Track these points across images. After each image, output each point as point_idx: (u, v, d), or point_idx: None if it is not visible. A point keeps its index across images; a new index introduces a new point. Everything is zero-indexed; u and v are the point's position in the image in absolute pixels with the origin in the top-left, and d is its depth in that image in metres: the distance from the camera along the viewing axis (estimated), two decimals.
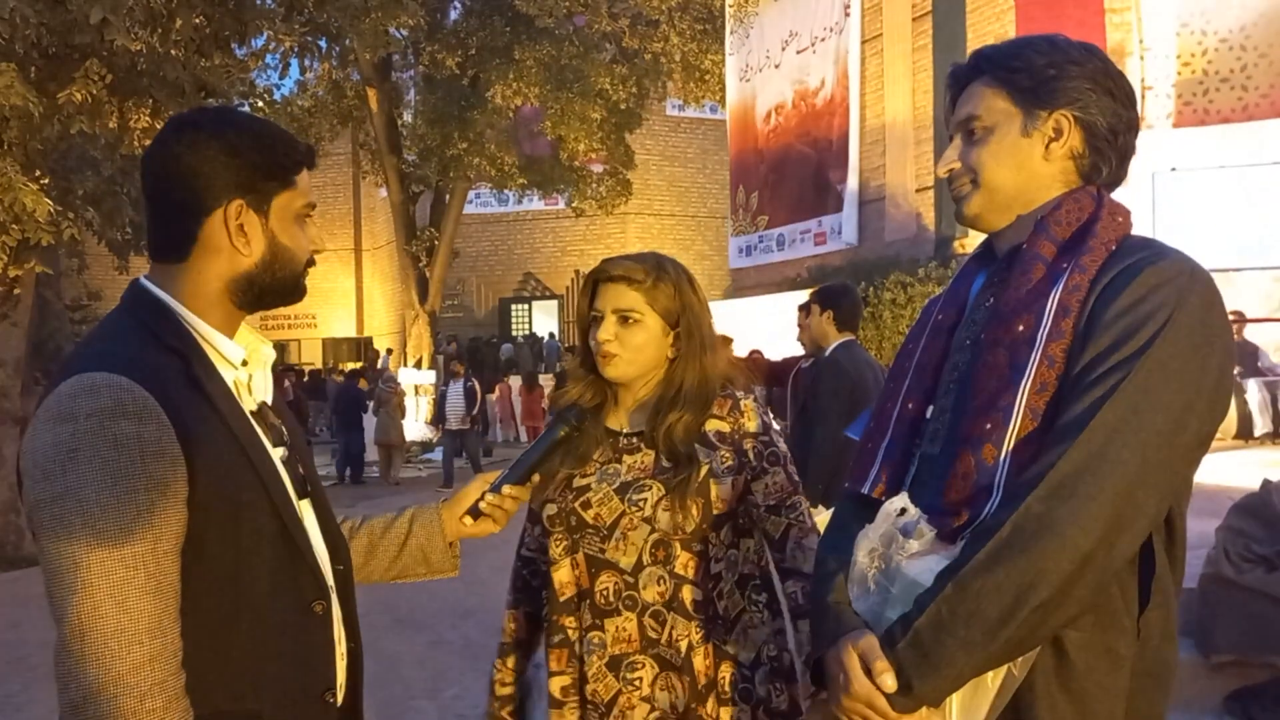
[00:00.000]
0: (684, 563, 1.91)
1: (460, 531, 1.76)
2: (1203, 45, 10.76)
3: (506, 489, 1.73)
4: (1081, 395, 1.27)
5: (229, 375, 1.44)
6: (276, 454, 1.45)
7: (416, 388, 18.38)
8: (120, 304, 1.45)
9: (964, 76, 1.54)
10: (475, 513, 1.74)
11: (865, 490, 1.52)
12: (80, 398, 1.28)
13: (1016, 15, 11.57)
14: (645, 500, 1.91)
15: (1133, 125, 1.48)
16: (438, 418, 15.26)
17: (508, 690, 2.10)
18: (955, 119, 1.52)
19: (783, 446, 2.02)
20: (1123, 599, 1.31)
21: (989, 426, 1.33)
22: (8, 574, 8.88)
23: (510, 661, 2.11)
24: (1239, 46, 10.58)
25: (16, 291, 9.49)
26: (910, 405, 1.52)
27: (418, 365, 19.60)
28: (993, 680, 1.28)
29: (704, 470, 1.91)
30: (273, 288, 1.46)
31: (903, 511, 1.37)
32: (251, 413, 1.45)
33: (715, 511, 1.92)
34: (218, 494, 1.34)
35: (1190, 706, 4.13)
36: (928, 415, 1.50)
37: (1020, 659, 1.27)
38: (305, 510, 1.49)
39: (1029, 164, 1.45)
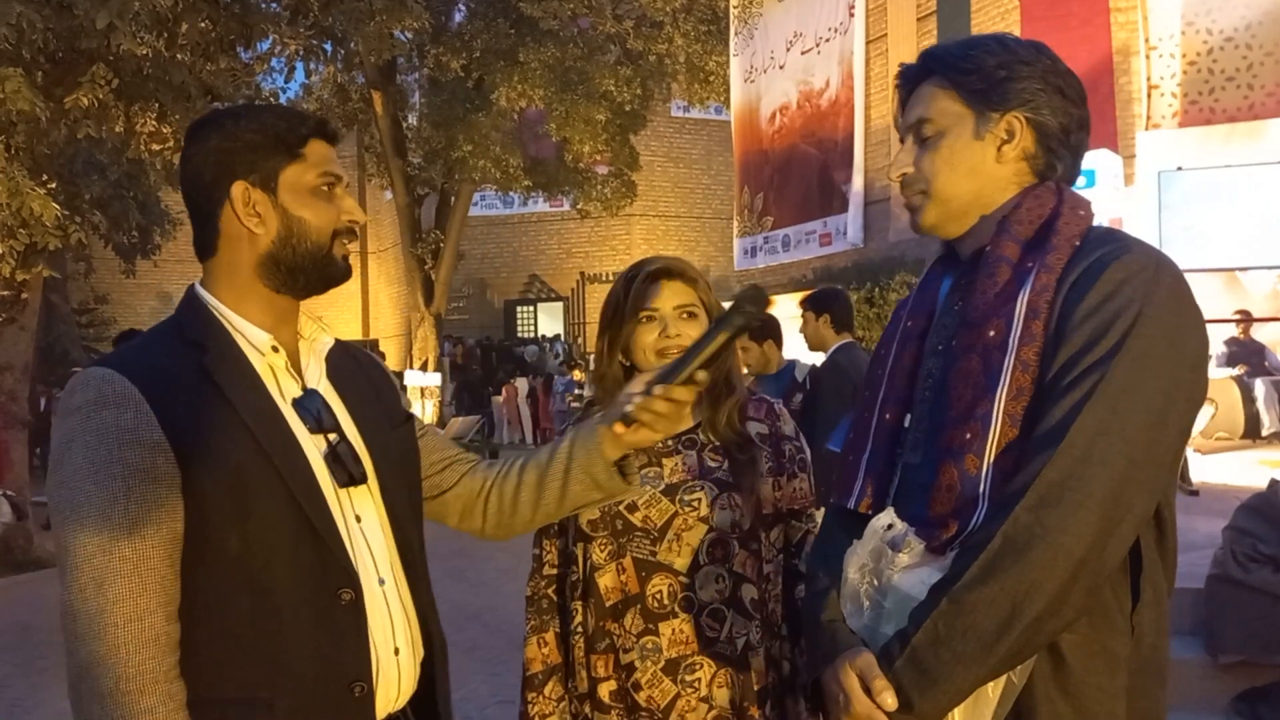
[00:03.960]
0: (742, 560, 1.89)
1: (619, 445, 1.56)
2: (1208, 44, 10.73)
3: (658, 389, 1.48)
4: (1060, 399, 1.26)
5: (259, 362, 1.45)
6: (313, 441, 1.44)
7: (422, 390, 18.39)
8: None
9: (914, 77, 1.51)
10: (627, 419, 1.51)
11: (851, 505, 1.50)
12: (74, 392, 1.36)
13: (1021, 15, 11.55)
14: (699, 500, 1.88)
15: (1084, 123, 1.46)
16: None
17: None
18: (906, 121, 1.50)
19: (808, 455, 2.03)
20: (1115, 598, 1.30)
21: (969, 436, 1.32)
22: (16, 577, 8.91)
23: (548, 689, 1.98)
24: (1244, 45, 10.55)
25: (24, 296, 9.52)
26: (888, 415, 1.50)
27: (423, 368, 19.62)
28: (993, 690, 1.27)
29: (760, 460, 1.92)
30: (297, 263, 1.46)
31: (890, 526, 1.36)
32: (294, 400, 1.46)
33: (764, 511, 1.92)
34: (218, 481, 1.34)
35: (1197, 707, 4.12)
36: (906, 424, 1.48)
37: (1019, 667, 1.26)
38: (355, 497, 1.47)
39: (982, 167, 1.43)
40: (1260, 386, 9.42)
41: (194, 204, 1.48)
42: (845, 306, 4.95)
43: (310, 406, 1.46)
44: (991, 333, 1.34)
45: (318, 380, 1.52)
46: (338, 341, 1.60)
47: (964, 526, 1.30)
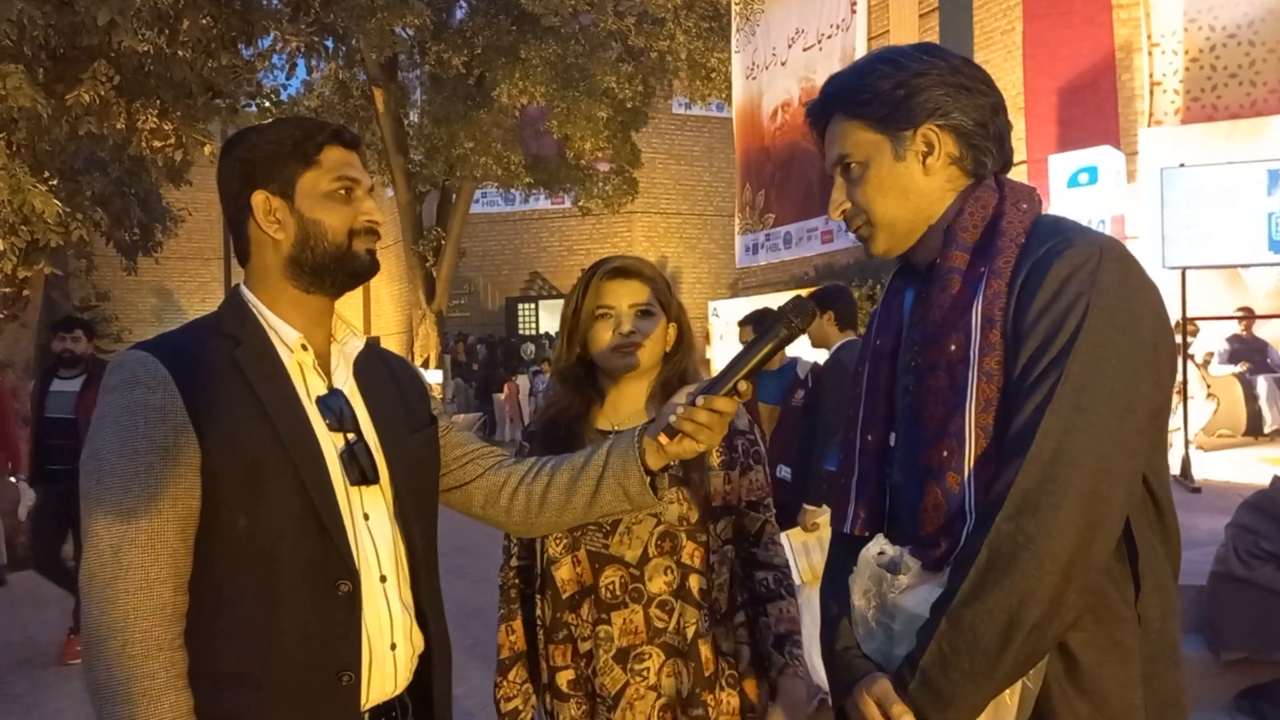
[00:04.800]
0: (690, 552, 1.94)
1: (662, 456, 1.57)
2: (1210, 41, 10.72)
3: (701, 400, 1.49)
4: (1024, 403, 1.26)
5: (288, 358, 1.52)
6: (331, 439, 1.50)
7: None
8: None
9: (820, 115, 1.52)
10: (670, 430, 1.52)
11: (847, 529, 1.52)
12: (113, 373, 1.45)
13: (1023, 12, 11.53)
14: None
15: (998, 108, 1.45)
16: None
17: (513, 705, 2.07)
18: (829, 159, 1.51)
19: (762, 447, 2.11)
20: (1117, 590, 1.30)
21: (946, 454, 1.33)
22: (18, 573, 8.90)
23: (513, 674, 2.08)
24: (1247, 42, 10.54)
25: (25, 293, 9.53)
26: (870, 437, 1.51)
27: (425, 365, 19.63)
28: (1011, 698, 1.28)
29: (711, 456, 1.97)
30: (318, 263, 1.53)
31: (881, 553, 1.38)
32: (318, 397, 1.52)
33: (713, 504, 1.97)
34: (232, 465, 1.41)
35: (1200, 704, 4.12)
36: (891, 443, 1.48)
37: (1033, 671, 1.27)
38: (366, 495, 1.53)
39: (912, 186, 1.44)
40: (1262, 383, 9.43)
41: (228, 215, 1.57)
42: (849, 304, 4.95)
43: (332, 405, 1.53)
44: (953, 347, 1.35)
45: (344, 381, 1.58)
46: (369, 346, 1.66)
47: (955, 541, 1.31)
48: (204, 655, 1.40)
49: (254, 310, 1.53)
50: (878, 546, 1.39)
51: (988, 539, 1.23)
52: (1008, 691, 1.27)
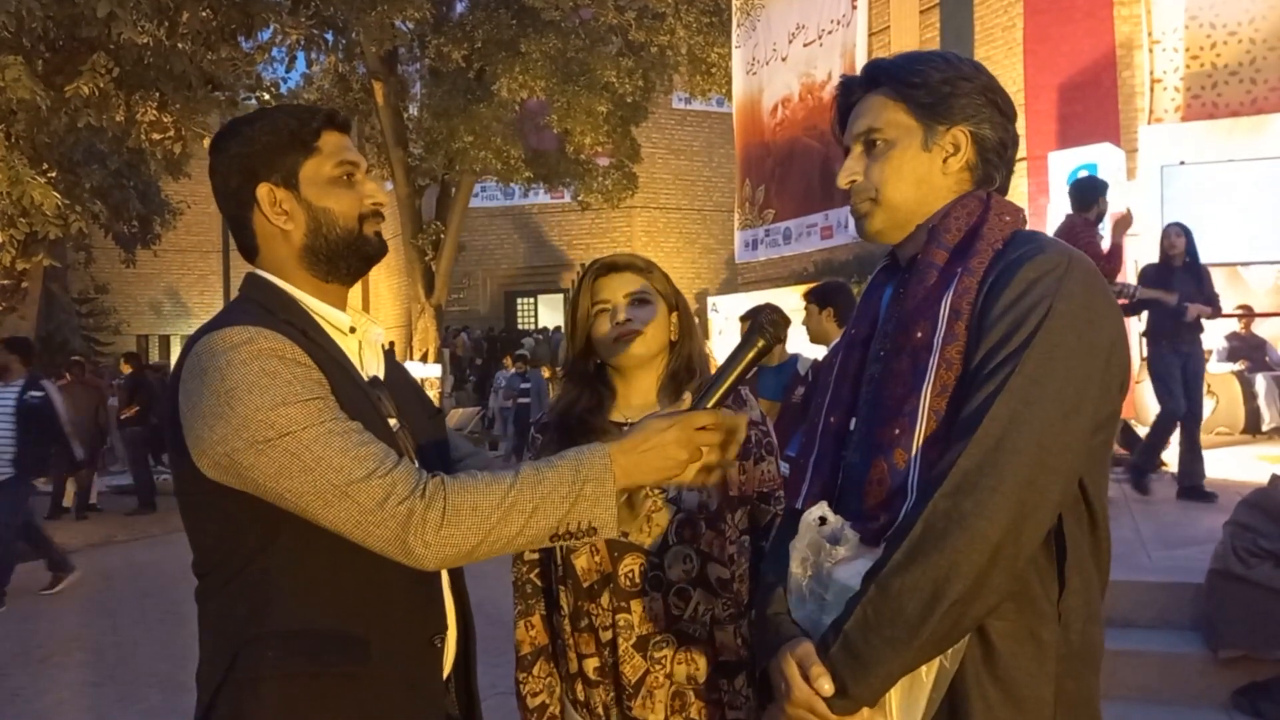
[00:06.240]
0: (708, 540, 1.96)
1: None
2: (1211, 38, 10.71)
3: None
4: (976, 391, 1.31)
5: (341, 342, 1.53)
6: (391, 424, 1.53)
7: (422, 382, 18.37)
8: (239, 293, 1.55)
9: (859, 88, 1.56)
10: None
11: (798, 505, 1.55)
12: (215, 354, 1.35)
13: (1024, 8, 11.50)
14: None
15: (1016, 141, 1.53)
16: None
17: (540, 700, 2.07)
18: (853, 130, 1.55)
19: (774, 439, 2.12)
20: (1041, 585, 1.35)
21: (897, 432, 1.38)
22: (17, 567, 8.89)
23: (537, 669, 2.08)
24: (1248, 39, 10.53)
25: (24, 285, 9.53)
26: (832, 419, 1.56)
27: (423, 359, 19.61)
28: (927, 674, 1.32)
29: None
30: (332, 250, 1.52)
31: (823, 520, 1.42)
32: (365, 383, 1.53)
33: (729, 493, 1.99)
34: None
35: (1197, 702, 4.12)
36: (852, 427, 1.53)
37: (951, 651, 1.31)
38: None
39: (929, 178, 1.49)
40: (1261, 381, 9.43)
41: (227, 212, 1.54)
42: (849, 300, 4.93)
43: (382, 392, 1.55)
44: (919, 334, 1.40)
45: (377, 368, 1.60)
46: None
47: (894, 517, 1.35)
48: (312, 614, 1.41)
49: (294, 299, 1.51)
50: (819, 512, 1.42)
51: (924, 514, 1.28)
52: (924, 668, 1.31)
